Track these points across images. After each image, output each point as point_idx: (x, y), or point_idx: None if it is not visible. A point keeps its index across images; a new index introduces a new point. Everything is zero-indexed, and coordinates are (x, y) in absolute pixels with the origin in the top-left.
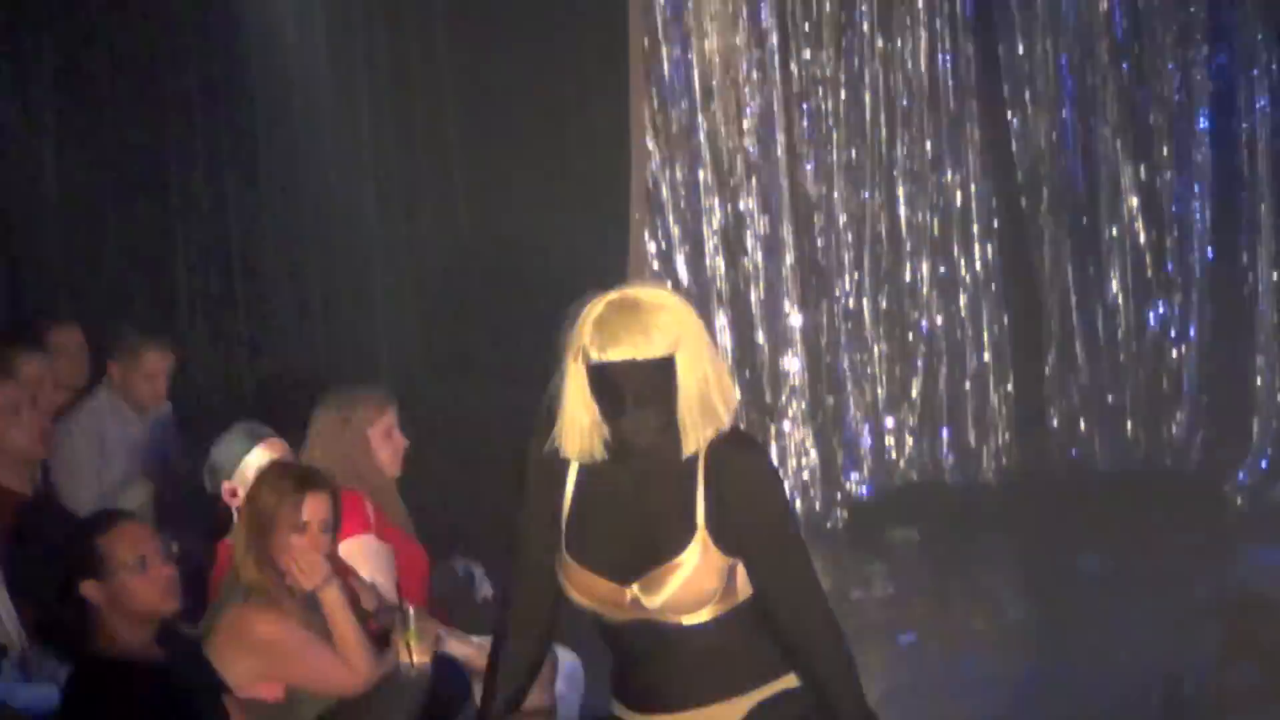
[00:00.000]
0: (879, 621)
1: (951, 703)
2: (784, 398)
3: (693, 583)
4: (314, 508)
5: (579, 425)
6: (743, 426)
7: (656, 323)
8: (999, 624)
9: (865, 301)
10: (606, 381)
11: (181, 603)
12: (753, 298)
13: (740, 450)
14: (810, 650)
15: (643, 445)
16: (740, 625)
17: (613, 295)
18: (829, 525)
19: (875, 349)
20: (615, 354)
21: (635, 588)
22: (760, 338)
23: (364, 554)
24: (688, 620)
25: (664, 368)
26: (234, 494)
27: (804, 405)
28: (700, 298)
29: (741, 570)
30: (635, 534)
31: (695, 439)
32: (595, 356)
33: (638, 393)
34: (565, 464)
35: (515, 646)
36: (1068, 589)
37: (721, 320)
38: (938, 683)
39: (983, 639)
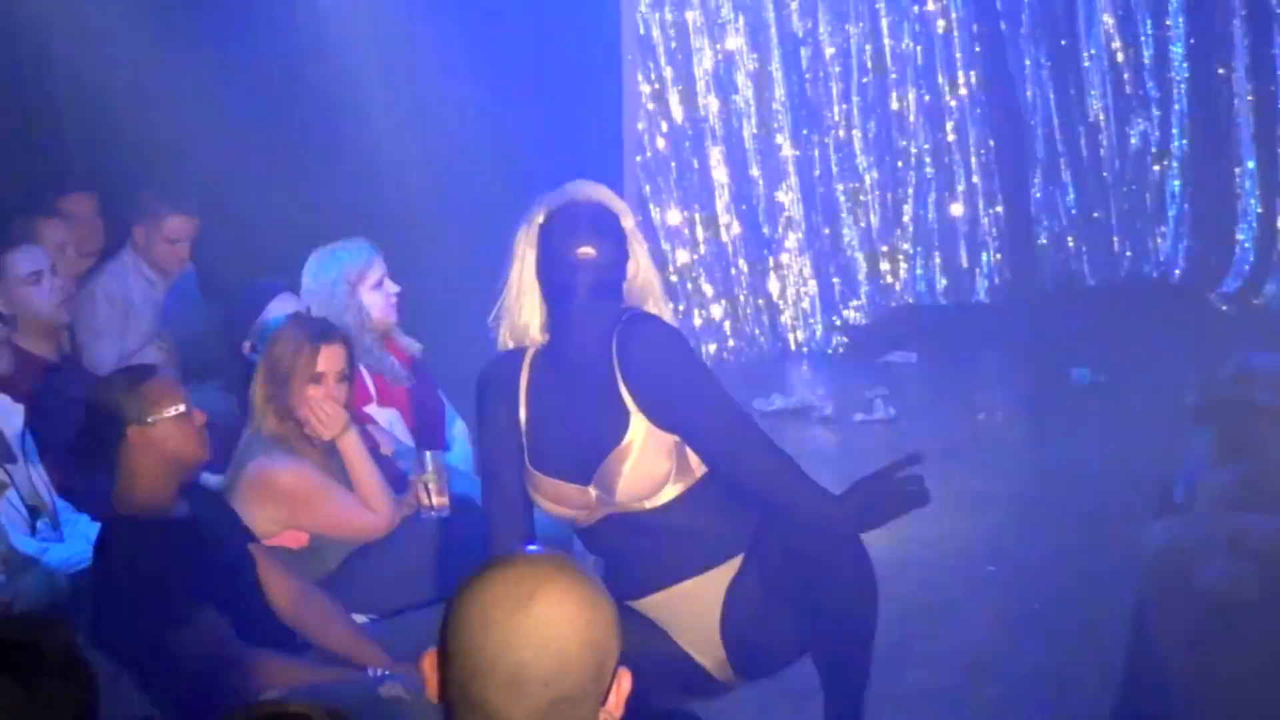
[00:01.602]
0: (882, 442)
1: (953, 516)
2: (780, 230)
3: (643, 465)
4: (329, 358)
5: (524, 305)
6: (742, 263)
7: (609, 196)
8: (996, 438)
9: (855, 132)
10: (563, 224)
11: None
12: (745, 133)
13: (640, 323)
14: (778, 498)
15: (589, 284)
16: (707, 498)
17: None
18: (830, 352)
19: (867, 178)
20: (572, 196)
21: (593, 485)
22: (755, 172)
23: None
24: (651, 504)
25: (616, 221)
26: (253, 349)
27: (801, 236)
28: (694, 136)
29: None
30: (581, 430)
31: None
32: (552, 205)
33: (592, 224)
34: (515, 375)
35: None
36: (1061, 401)
37: (716, 157)
38: (938, 498)
39: (981, 454)
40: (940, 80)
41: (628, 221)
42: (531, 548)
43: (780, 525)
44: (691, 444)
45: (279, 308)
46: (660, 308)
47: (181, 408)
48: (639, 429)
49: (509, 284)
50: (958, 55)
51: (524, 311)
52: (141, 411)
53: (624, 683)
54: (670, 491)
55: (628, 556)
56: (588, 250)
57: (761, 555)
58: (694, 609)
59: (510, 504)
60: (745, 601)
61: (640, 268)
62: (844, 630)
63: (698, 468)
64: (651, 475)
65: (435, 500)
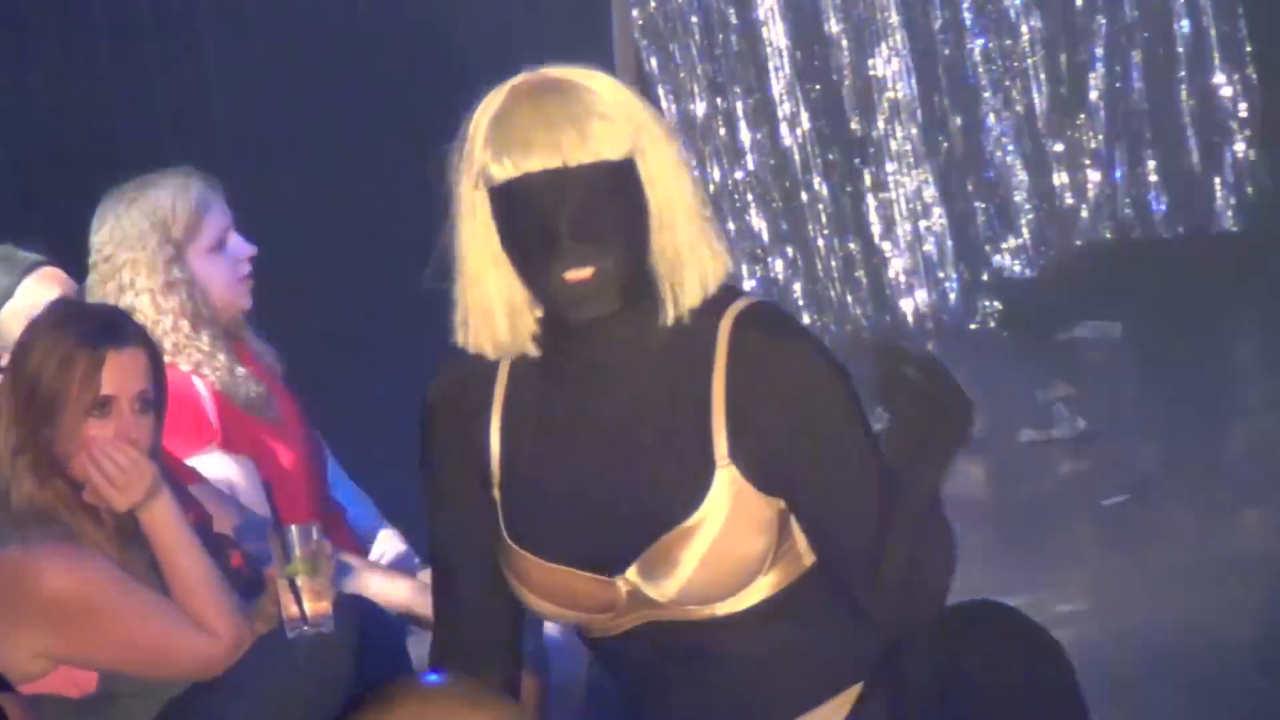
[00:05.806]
0: (1066, 476)
1: (1190, 591)
2: (881, 121)
3: (722, 550)
4: (120, 373)
5: (488, 297)
6: (818, 182)
7: (594, 108)
8: (1256, 462)
9: None
10: (522, 211)
11: None
12: None
13: (777, 331)
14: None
15: (586, 317)
16: (813, 602)
17: (518, 79)
18: (973, 325)
19: (1023, 27)
20: (532, 161)
21: (632, 574)
22: (833, 27)
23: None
24: (724, 610)
25: (617, 179)
26: None
27: (915, 131)
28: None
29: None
30: (614, 490)
31: (688, 297)
32: (501, 173)
33: (575, 223)
34: (485, 397)
35: None
36: None
37: (777, 28)
38: (1166, 560)
39: (1233, 487)
40: None
41: (634, 118)
42: (432, 677)
43: (921, 639)
44: (804, 515)
45: (36, 292)
46: (709, 256)
47: None
48: (723, 490)
49: (462, 271)
50: None
51: (496, 317)
52: None
53: None
54: (759, 590)
55: (675, 688)
56: (579, 274)
57: (891, 684)
58: None
59: (470, 607)
60: None
61: (668, 197)
62: None
63: (806, 553)
64: (735, 567)
65: (310, 608)
